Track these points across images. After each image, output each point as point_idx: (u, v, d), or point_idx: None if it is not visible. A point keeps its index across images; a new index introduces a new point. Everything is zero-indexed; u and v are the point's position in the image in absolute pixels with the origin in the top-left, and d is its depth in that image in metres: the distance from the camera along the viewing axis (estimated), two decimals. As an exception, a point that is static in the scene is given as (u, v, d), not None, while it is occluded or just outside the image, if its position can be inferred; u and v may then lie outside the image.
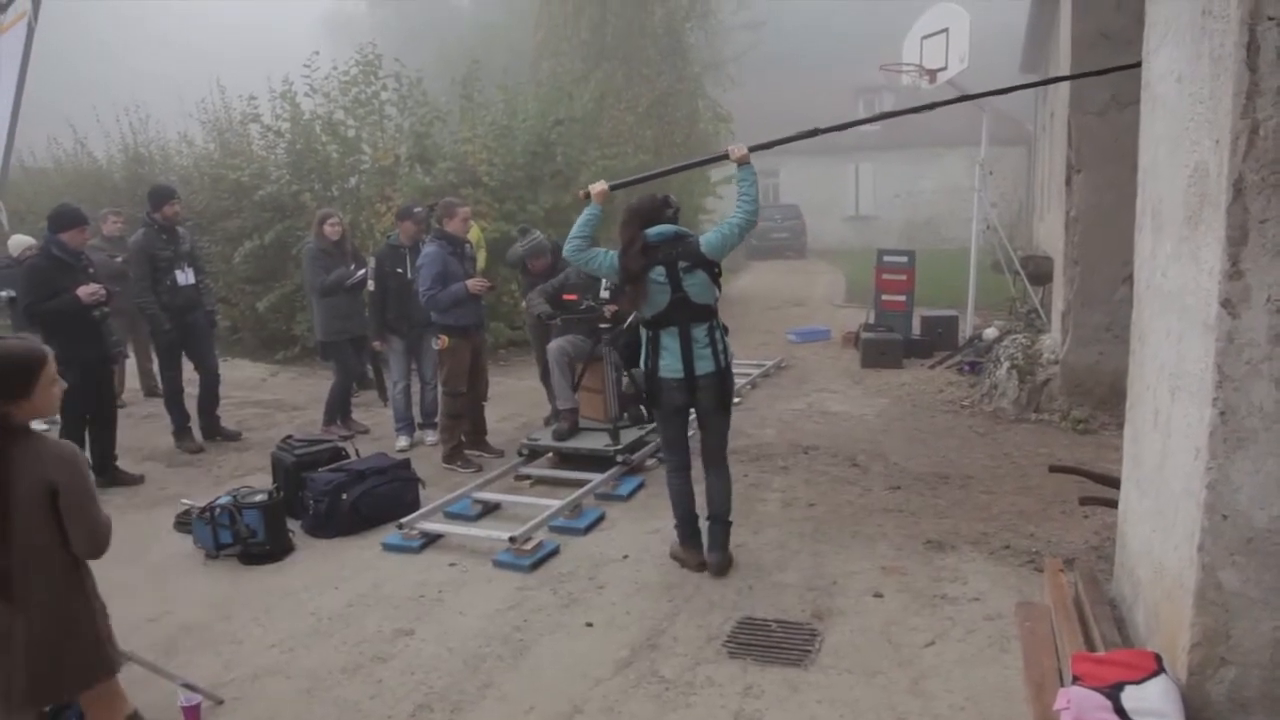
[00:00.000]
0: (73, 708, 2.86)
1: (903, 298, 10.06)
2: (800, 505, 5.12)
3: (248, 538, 4.56)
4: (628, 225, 4.08)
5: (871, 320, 10.06)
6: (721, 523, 4.25)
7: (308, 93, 10.45)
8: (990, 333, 8.87)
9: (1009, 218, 16.48)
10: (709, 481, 4.28)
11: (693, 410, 4.27)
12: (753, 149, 4.13)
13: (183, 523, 5.00)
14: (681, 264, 4.02)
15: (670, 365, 4.10)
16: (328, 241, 6.86)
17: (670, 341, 4.09)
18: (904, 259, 10.29)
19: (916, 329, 9.79)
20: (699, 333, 4.09)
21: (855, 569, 4.22)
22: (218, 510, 4.61)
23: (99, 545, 2.41)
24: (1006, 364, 7.15)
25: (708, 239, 4.09)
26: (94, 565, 2.48)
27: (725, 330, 4.25)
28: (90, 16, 30.66)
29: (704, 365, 4.10)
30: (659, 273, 4.01)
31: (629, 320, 4.35)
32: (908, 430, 6.67)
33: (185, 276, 6.53)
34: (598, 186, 4.15)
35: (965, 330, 9.77)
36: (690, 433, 4.37)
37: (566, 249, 4.16)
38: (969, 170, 11.69)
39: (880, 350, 9.06)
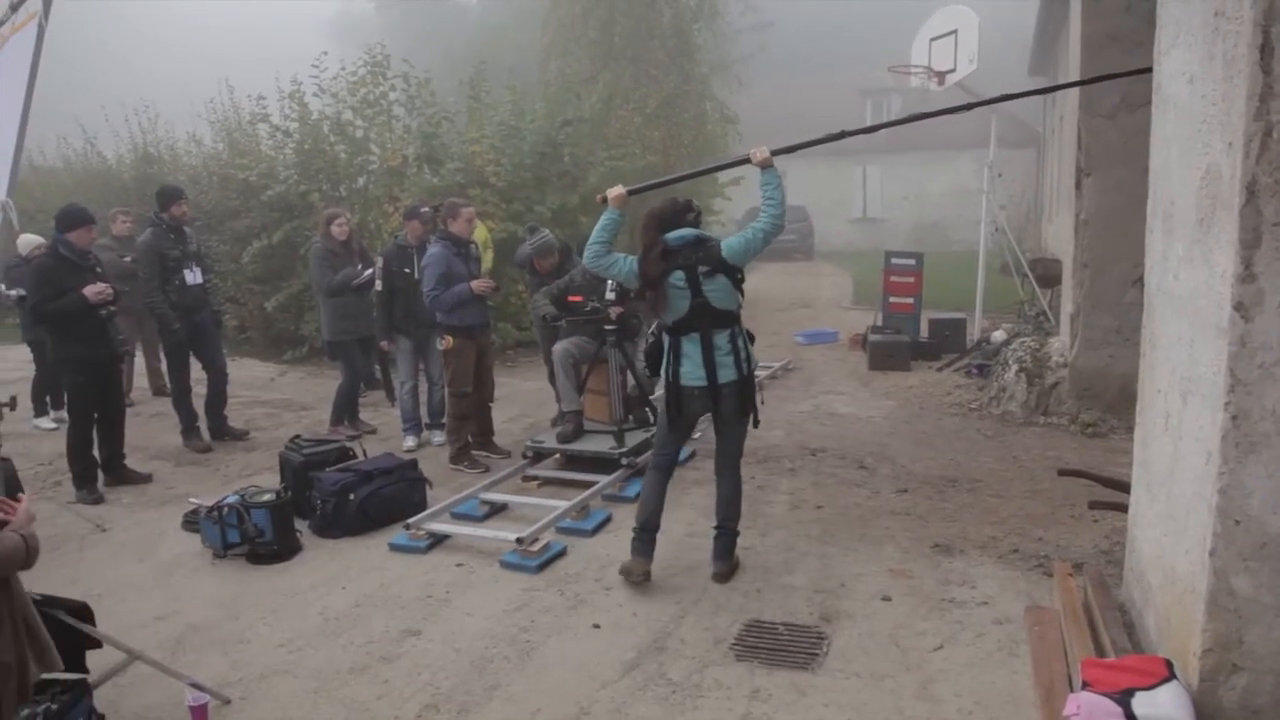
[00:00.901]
0: (80, 705, 2.87)
1: (910, 300, 10.01)
2: (808, 507, 5.11)
3: (255, 537, 4.56)
4: (647, 229, 4.00)
5: (879, 322, 10.03)
6: (729, 532, 4.20)
7: (316, 93, 10.49)
8: (998, 335, 8.84)
9: (1018, 220, 16.45)
10: (720, 487, 4.23)
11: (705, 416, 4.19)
12: (775, 152, 4.03)
13: (190, 522, 5.01)
14: (702, 269, 3.94)
15: (692, 373, 4.01)
16: (335, 241, 6.89)
17: (692, 349, 4.00)
18: (912, 261, 10.24)
19: (924, 331, 9.77)
20: (721, 339, 3.99)
21: (863, 572, 4.21)
22: (225, 509, 4.61)
23: None
24: (1015, 367, 7.12)
25: (730, 244, 4.01)
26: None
27: (750, 338, 4.15)
28: (95, 21, 30.77)
29: (726, 373, 4.00)
30: (678, 277, 3.94)
31: (652, 326, 4.26)
32: (915, 433, 6.66)
33: (193, 276, 6.58)
34: (615, 191, 4.08)
35: (973, 333, 9.74)
36: (696, 435, 4.32)
37: (586, 255, 4.10)
38: (977, 172, 11.66)
39: (888, 352, 9.04)
